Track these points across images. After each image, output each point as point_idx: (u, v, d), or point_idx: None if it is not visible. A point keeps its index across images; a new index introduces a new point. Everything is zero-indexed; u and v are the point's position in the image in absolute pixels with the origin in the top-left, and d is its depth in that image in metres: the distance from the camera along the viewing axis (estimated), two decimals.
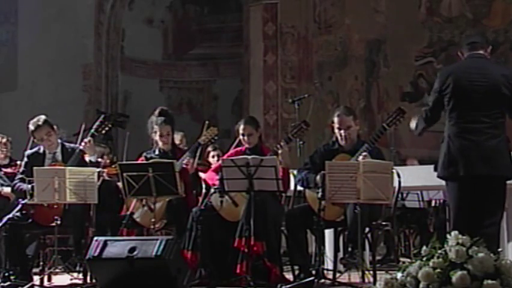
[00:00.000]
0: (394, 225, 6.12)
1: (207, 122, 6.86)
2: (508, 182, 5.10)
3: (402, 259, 7.27)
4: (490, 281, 3.77)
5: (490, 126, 4.94)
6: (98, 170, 6.25)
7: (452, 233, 4.01)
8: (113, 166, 6.99)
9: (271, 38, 12.45)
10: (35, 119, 6.49)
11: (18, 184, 6.44)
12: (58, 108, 11.24)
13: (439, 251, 3.95)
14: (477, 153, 4.89)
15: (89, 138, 6.45)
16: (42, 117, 6.49)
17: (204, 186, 6.76)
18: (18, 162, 7.28)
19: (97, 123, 6.60)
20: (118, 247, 5.41)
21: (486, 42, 5.21)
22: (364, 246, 5.79)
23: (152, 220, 5.96)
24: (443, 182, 5.16)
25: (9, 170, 7.67)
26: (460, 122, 4.97)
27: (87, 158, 6.43)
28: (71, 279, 6.31)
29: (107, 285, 5.44)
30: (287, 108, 11.83)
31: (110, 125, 6.71)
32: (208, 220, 6.01)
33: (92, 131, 6.54)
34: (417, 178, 6.49)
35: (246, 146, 6.32)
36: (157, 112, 6.65)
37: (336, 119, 5.99)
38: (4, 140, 7.92)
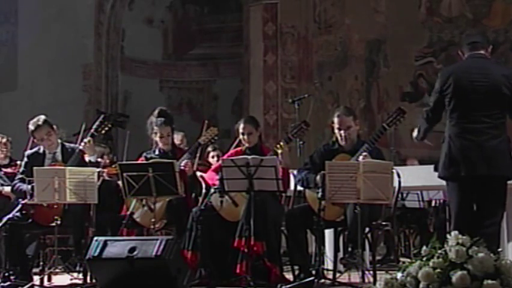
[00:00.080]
0: (394, 225, 6.12)
1: (206, 121, 6.85)
2: (509, 182, 5.10)
3: (402, 259, 7.27)
4: (490, 281, 3.77)
5: (491, 126, 4.94)
6: (98, 170, 6.25)
7: (452, 233, 4.01)
8: (113, 166, 6.99)
9: (271, 38, 12.45)
10: (34, 119, 6.48)
11: (18, 184, 6.44)
12: (58, 108, 11.24)
13: (439, 251, 3.95)
14: (478, 154, 4.89)
15: (88, 138, 6.45)
16: (42, 117, 6.49)
17: (204, 186, 6.76)
18: (18, 162, 7.27)
19: (97, 123, 6.60)
20: (118, 247, 5.41)
21: (487, 42, 5.21)
22: (364, 246, 5.79)
23: (152, 220, 5.96)
24: (443, 182, 5.16)
25: (9, 170, 7.67)
26: (460, 122, 4.97)
27: (87, 158, 6.43)
28: (71, 279, 6.30)
29: (107, 285, 5.44)
30: (287, 108, 11.84)
31: (110, 125, 6.71)
32: (208, 220, 6.01)
33: (92, 131, 6.54)
34: (417, 178, 6.49)
35: (246, 145, 6.32)
36: (156, 113, 6.64)
37: (336, 120, 5.99)
38: (4, 140, 7.92)
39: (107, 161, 8.07)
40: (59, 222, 5.97)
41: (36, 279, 6.14)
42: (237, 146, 6.78)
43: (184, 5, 14.00)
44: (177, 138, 7.38)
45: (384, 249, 8.41)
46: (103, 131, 6.63)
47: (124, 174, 5.94)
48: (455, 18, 11.55)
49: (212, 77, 13.89)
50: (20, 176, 6.48)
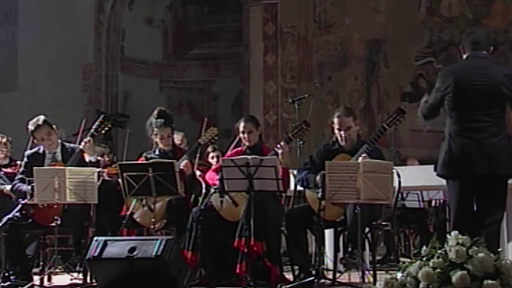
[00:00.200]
0: (394, 225, 6.12)
1: (206, 120, 6.84)
2: (510, 182, 5.10)
3: (402, 259, 7.27)
4: (490, 281, 3.77)
5: (491, 124, 4.94)
6: (98, 170, 6.25)
7: (452, 233, 4.01)
8: (113, 166, 7.00)
9: (271, 38, 12.45)
10: (34, 119, 6.48)
11: (18, 184, 6.44)
12: (58, 108, 11.24)
13: (439, 251, 3.95)
14: (478, 152, 4.90)
15: (88, 138, 6.45)
16: (42, 117, 6.48)
17: (204, 186, 6.76)
18: (18, 162, 7.27)
19: (97, 123, 6.60)
20: (118, 247, 5.41)
21: (490, 43, 5.19)
22: (364, 246, 5.79)
23: (152, 220, 5.96)
24: (443, 182, 5.16)
25: (9, 170, 7.66)
26: (460, 120, 4.98)
27: (87, 158, 6.43)
28: (71, 279, 6.30)
29: (107, 285, 5.44)
30: (287, 108, 11.84)
31: (110, 125, 6.71)
32: (208, 220, 6.01)
33: (92, 131, 6.54)
34: (417, 178, 6.49)
35: (246, 144, 6.32)
36: (155, 113, 6.63)
37: (336, 120, 5.98)
38: (4, 140, 7.92)
39: (106, 158, 8.07)
40: (59, 222, 5.97)
41: (36, 279, 6.14)
42: (237, 145, 6.77)
43: (184, 5, 13.99)
44: (177, 138, 7.38)
45: (384, 249, 8.41)
46: (103, 131, 6.63)
47: (124, 174, 5.94)
48: (455, 18, 11.55)
49: (212, 77, 13.88)
50: (20, 176, 6.48)
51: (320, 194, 5.49)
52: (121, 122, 9.78)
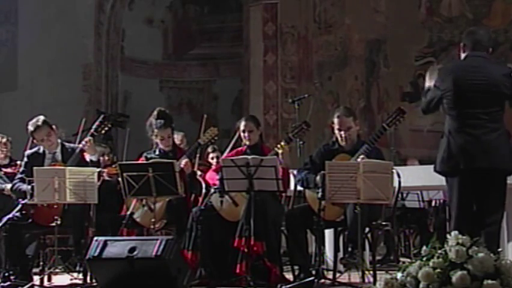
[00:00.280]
0: (394, 225, 6.12)
1: (205, 116, 6.82)
2: (509, 182, 5.11)
3: (402, 259, 7.28)
4: (490, 281, 3.77)
5: (489, 120, 4.96)
6: (98, 170, 6.25)
7: (452, 233, 4.02)
8: (113, 166, 6.99)
9: (271, 38, 12.45)
10: (34, 120, 6.48)
11: (18, 184, 6.44)
12: (58, 108, 11.24)
13: (439, 251, 3.95)
14: (477, 147, 4.91)
15: (89, 137, 6.45)
16: (41, 117, 6.48)
17: (204, 186, 6.76)
18: (18, 162, 7.27)
19: (97, 123, 6.60)
20: (118, 247, 5.41)
21: (490, 44, 5.21)
22: (364, 246, 5.79)
23: (152, 220, 5.96)
24: (444, 182, 5.16)
25: (9, 170, 7.66)
26: (460, 118, 5.00)
27: (88, 158, 6.43)
28: (71, 279, 6.30)
29: (107, 285, 5.44)
30: (287, 108, 11.84)
31: (110, 125, 6.71)
32: (208, 220, 6.01)
33: (92, 131, 6.53)
34: (417, 178, 6.49)
35: (246, 143, 6.32)
36: (155, 114, 6.63)
37: (336, 120, 5.98)
38: (4, 140, 7.92)
39: (106, 158, 8.06)
40: (59, 222, 5.97)
41: (36, 279, 6.14)
42: (235, 143, 6.76)
43: (184, 5, 14.00)
44: (177, 138, 7.38)
45: (384, 249, 8.41)
46: (103, 131, 6.63)
47: (124, 174, 5.94)
48: (455, 18, 11.55)
49: (212, 77, 13.89)
50: (20, 176, 6.48)
51: (320, 194, 5.49)
52: (121, 122, 9.78)
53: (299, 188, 6.18)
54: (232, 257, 5.75)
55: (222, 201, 6.09)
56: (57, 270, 6.31)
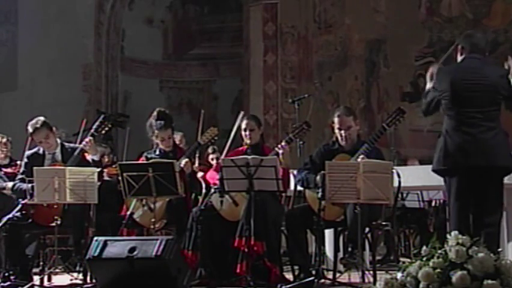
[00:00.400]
0: (394, 225, 6.12)
1: (202, 112, 6.81)
2: (507, 182, 5.11)
3: (402, 259, 7.27)
4: (490, 281, 3.77)
5: (486, 119, 4.99)
6: (98, 169, 6.24)
7: (452, 233, 4.02)
8: (113, 166, 6.99)
9: (271, 38, 12.45)
10: (33, 121, 6.46)
11: (18, 184, 6.45)
12: (58, 108, 11.25)
13: (439, 251, 3.95)
14: (474, 145, 4.94)
15: (89, 137, 6.45)
16: (41, 119, 6.47)
17: (204, 186, 6.76)
18: (18, 162, 7.27)
19: (97, 123, 6.60)
20: (118, 247, 5.41)
21: (487, 48, 5.24)
22: (364, 246, 5.79)
23: (152, 220, 5.96)
24: (443, 182, 5.17)
25: (9, 170, 7.66)
26: (457, 118, 5.04)
27: (89, 157, 6.43)
28: (71, 279, 6.30)
29: (107, 285, 5.43)
30: (287, 108, 11.84)
31: (110, 125, 6.71)
32: (208, 220, 6.01)
33: (92, 131, 6.53)
34: (417, 178, 6.49)
35: (247, 142, 6.32)
36: (155, 114, 6.62)
37: (336, 120, 5.98)
38: (4, 140, 7.91)
39: (107, 159, 8.06)
40: (59, 222, 5.97)
41: (36, 279, 6.14)
42: (233, 141, 6.74)
43: (184, 5, 14.00)
44: (176, 138, 7.38)
45: (384, 249, 8.41)
46: (103, 131, 6.63)
47: (124, 174, 5.94)
48: (455, 18, 11.55)
49: (212, 77, 13.89)
50: (21, 176, 6.49)
51: (319, 194, 5.49)
52: (121, 122, 9.77)
53: (299, 188, 6.18)
54: (232, 257, 5.75)
55: (222, 201, 6.09)
56: (57, 270, 6.31)
